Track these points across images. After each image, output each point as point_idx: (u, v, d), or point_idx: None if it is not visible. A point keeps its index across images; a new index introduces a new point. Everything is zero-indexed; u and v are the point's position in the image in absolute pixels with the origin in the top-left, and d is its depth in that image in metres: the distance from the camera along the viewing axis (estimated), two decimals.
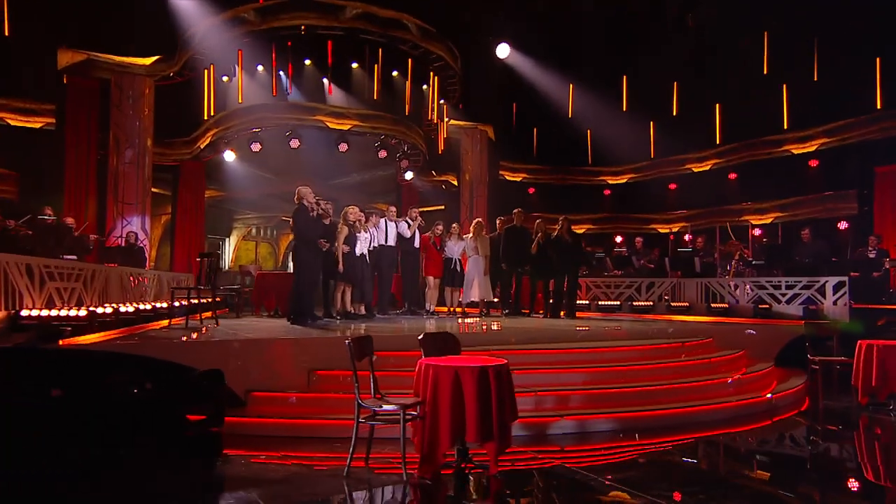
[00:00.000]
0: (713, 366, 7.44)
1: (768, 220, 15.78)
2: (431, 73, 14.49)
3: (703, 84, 16.60)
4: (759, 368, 7.97)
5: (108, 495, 4.42)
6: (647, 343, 7.83)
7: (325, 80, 13.38)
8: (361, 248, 9.93)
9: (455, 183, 17.27)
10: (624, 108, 18.05)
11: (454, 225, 11.41)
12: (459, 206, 16.81)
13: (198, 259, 8.62)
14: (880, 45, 13.39)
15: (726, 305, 11.06)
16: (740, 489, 4.73)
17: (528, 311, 11.49)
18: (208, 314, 8.72)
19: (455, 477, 4.65)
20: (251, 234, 18.49)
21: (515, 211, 11.26)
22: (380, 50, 13.32)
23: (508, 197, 16.90)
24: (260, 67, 13.45)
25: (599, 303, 12.65)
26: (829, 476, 5.15)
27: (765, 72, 15.66)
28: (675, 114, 17.59)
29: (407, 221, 10.93)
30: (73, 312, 6.16)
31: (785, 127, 15.59)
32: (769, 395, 6.92)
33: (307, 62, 13.56)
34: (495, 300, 11.62)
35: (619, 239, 17.60)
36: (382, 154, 14.47)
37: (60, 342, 5.86)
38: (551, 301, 10.99)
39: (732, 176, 16.92)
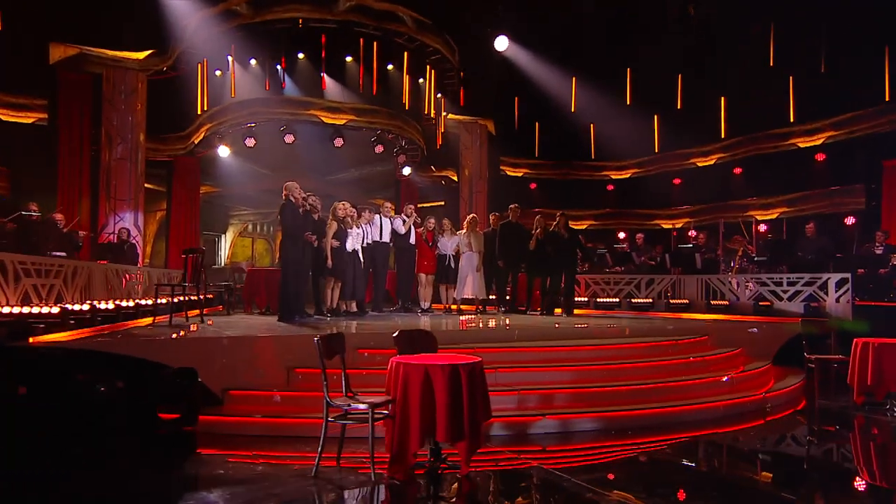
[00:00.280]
0: (706, 364, 7.25)
1: (774, 216, 15.46)
2: (428, 67, 14.30)
3: (708, 77, 16.27)
4: (756, 367, 7.76)
5: (75, 494, 4.33)
6: (639, 341, 7.65)
7: (321, 75, 13.22)
8: (353, 244, 9.75)
9: (455, 178, 17.06)
10: (627, 102, 17.75)
11: (445, 221, 11.22)
12: (459, 202, 16.60)
13: (183, 255, 8.45)
14: (889, 35, 13.01)
15: (726, 303, 10.81)
16: (720, 489, 4.54)
17: (524, 309, 11.28)
18: (195, 312, 8.61)
19: (427, 477, 4.56)
20: (247, 230, 18.37)
21: (511, 206, 11.05)
22: (374, 43, 13.13)
23: (509, 193, 16.58)
24: (253, 61, 13.31)
25: (598, 300, 12.43)
26: (817, 478, 4.96)
27: (771, 63, 15.32)
28: (679, 107, 17.28)
29: (403, 218, 10.76)
30: (45, 310, 6.03)
31: (791, 120, 15.24)
32: (762, 395, 6.69)
33: (300, 56, 13.40)
34: (491, 297, 11.42)
35: (622, 235, 17.36)
36: (379, 149, 14.31)
37: (31, 340, 5.76)
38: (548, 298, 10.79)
39: (738, 170, 16.60)
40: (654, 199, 18.05)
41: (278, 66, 13.35)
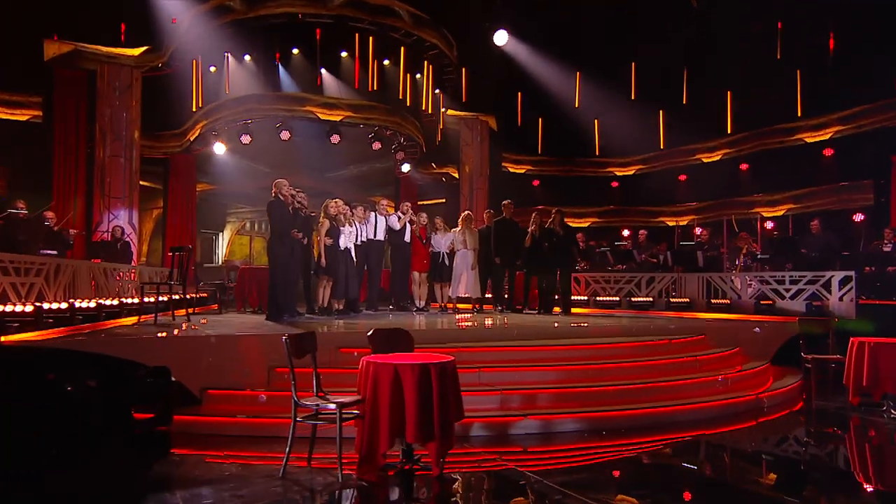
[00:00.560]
0: (699, 364, 7.03)
1: (780, 213, 15.15)
2: (426, 62, 14.12)
3: (713, 71, 15.99)
4: (753, 367, 7.54)
5: (37, 494, 4.25)
6: (631, 340, 7.43)
7: (317, 71, 13.09)
8: (346, 241, 9.60)
9: (456, 175, 16.88)
10: (632, 97, 17.49)
11: (437, 219, 11.04)
12: (460, 199, 16.41)
13: (170, 253, 8.34)
14: None
15: (728, 301, 10.55)
16: (701, 492, 4.36)
17: (521, 307, 11.09)
18: (184, 311, 8.51)
19: (398, 478, 4.46)
20: (245, 228, 18.26)
21: (504, 203, 10.86)
22: (370, 38, 12.97)
23: (512, 189, 16.40)
24: (247, 57, 13.20)
25: (598, 298, 12.21)
26: (808, 481, 4.74)
27: (778, 57, 15.01)
28: (685, 102, 17.00)
29: (398, 214, 10.59)
30: (18, 308, 5.92)
31: (798, 114, 14.93)
32: (755, 395, 6.47)
33: (295, 51, 13.27)
34: (488, 296, 11.24)
35: (626, 233, 17.11)
36: (376, 146, 14.15)
37: (2, 339, 5.65)
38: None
39: (744, 166, 16.30)
40: (658, 195, 17.80)
41: (278, 63, 13.23)
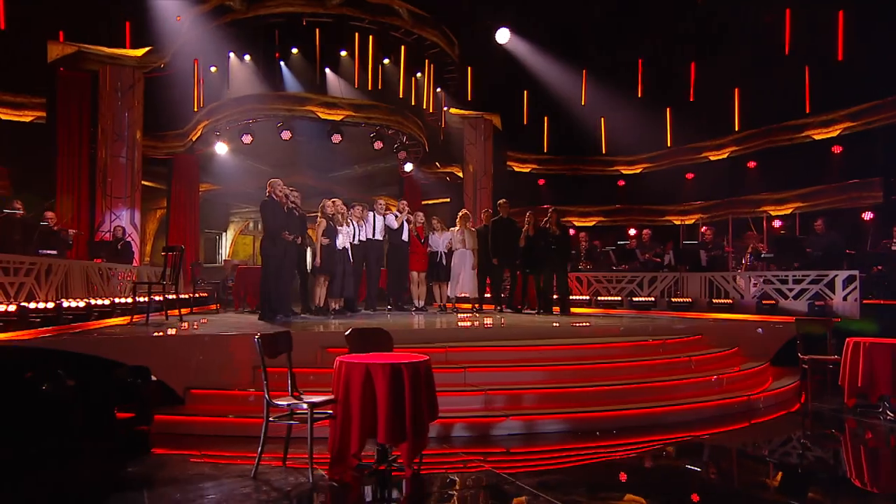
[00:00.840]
0: (694, 364, 6.90)
1: (787, 211, 14.90)
2: (427, 61, 14.06)
3: (721, 67, 15.75)
4: (751, 367, 7.40)
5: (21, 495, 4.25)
6: (625, 340, 7.31)
7: (316, 70, 13.08)
8: (343, 241, 9.56)
9: (461, 175, 16.79)
10: (639, 95, 17.32)
11: (435, 219, 10.98)
12: (464, 198, 16.33)
13: (163, 253, 8.35)
14: None
15: (730, 301, 10.38)
16: (680, 494, 4.25)
17: (520, 307, 10.98)
18: (177, 311, 8.51)
19: (370, 479, 4.43)
20: (248, 228, 18.30)
21: (500, 202, 10.76)
22: (370, 37, 12.93)
23: (517, 189, 16.36)
24: (247, 57, 13.22)
25: (599, 298, 12.08)
26: (800, 485, 4.60)
27: (786, 52, 14.76)
28: (692, 99, 16.79)
29: (395, 213, 10.54)
30: (2, 308, 5.93)
31: (807, 111, 14.67)
32: (748, 396, 6.33)
33: (294, 51, 13.27)
34: (487, 295, 11.15)
35: (632, 232, 16.91)
36: (378, 145, 14.11)
37: None
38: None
39: (751, 164, 16.06)
40: (665, 194, 17.58)
41: (281, 62, 13.24)
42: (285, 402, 4.45)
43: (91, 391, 5.55)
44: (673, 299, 11.12)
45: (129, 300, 8.34)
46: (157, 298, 8.42)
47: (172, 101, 13.27)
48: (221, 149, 13.94)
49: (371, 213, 10.37)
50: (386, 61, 13.71)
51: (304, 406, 4.35)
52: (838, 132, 14.20)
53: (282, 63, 13.23)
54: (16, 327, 5.87)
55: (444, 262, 10.74)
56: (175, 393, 5.91)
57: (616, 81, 16.91)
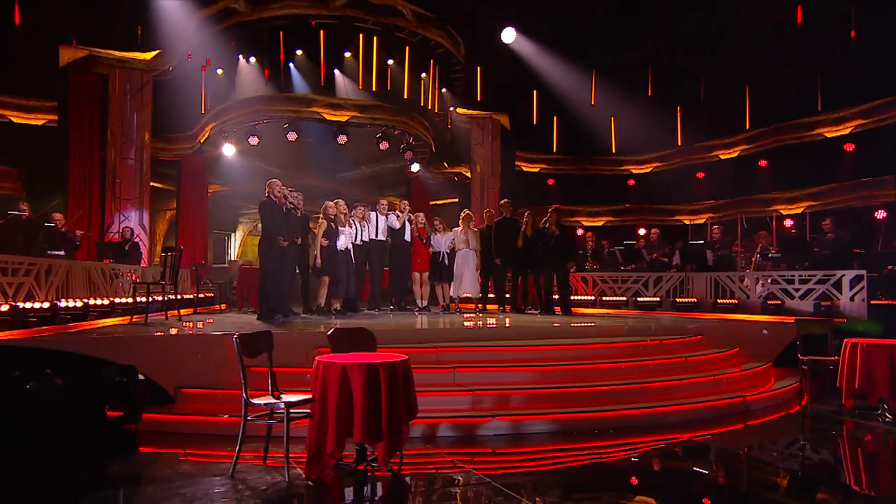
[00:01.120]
0: (690, 365, 6.81)
1: (799, 210, 14.66)
2: (431, 62, 14.04)
3: (731, 65, 15.55)
4: (751, 368, 7.30)
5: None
6: (623, 341, 7.25)
7: (321, 71, 13.14)
8: (345, 242, 9.59)
9: (469, 175, 16.74)
10: (648, 94, 17.16)
11: (436, 219, 10.97)
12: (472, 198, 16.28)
13: (162, 253, 8.43)
14: None
15: (736, 301, 10.24)
16: (660, 496, 4.19)
17: (523, 307, 10.93)
18: (176, 311, 8.59)
19: (347, 478, 4.43)
20: (257, 228, 18.40)
21: (502, 202, 10.73)
22: (374, 38, 12.96)
23: (526, 188, 16.29)
24: (253, 59, 13.31)
25: (605, 298, 11.99)
26: (793, 488, 4.50)
27: (796, 49, 14.53)
28: (702, 98, 16.61)
29: (397, 213, 10.55)
30: None
31: (818, 108, 14.44)
32: (743, 397, 6.23)
33: (299, 52, 13.33)
34: (490, 296, 11.11)
35: (641, 231, 16.76)
36: (384, 146, 14.13)
37: None
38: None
39: (762, 163, 15.83)
40: (675, 194, 17.39)
41: (284, 65, 13.32)
42: (263, 402, 4.48)
43: (85, 390, 5.62)
44: (678, 299, 11.00)
45: (130, 300, 8.43)
46: (158, 299, 8.51)
47: (180, 103, 13.39)
48: (229, 150, 14.06)
49: (373, 214, 10.39)
50: (390, 62, 13.72)
51: (282, 405, 4.37)
52: (850, 130, 13.95)
53: (286, 65, 13.30)
54: (9, 327, 5.95)
55: (446, 262, 10.73)
56: (166, 392, 5.98)
57: (625, 81, 16.79)
